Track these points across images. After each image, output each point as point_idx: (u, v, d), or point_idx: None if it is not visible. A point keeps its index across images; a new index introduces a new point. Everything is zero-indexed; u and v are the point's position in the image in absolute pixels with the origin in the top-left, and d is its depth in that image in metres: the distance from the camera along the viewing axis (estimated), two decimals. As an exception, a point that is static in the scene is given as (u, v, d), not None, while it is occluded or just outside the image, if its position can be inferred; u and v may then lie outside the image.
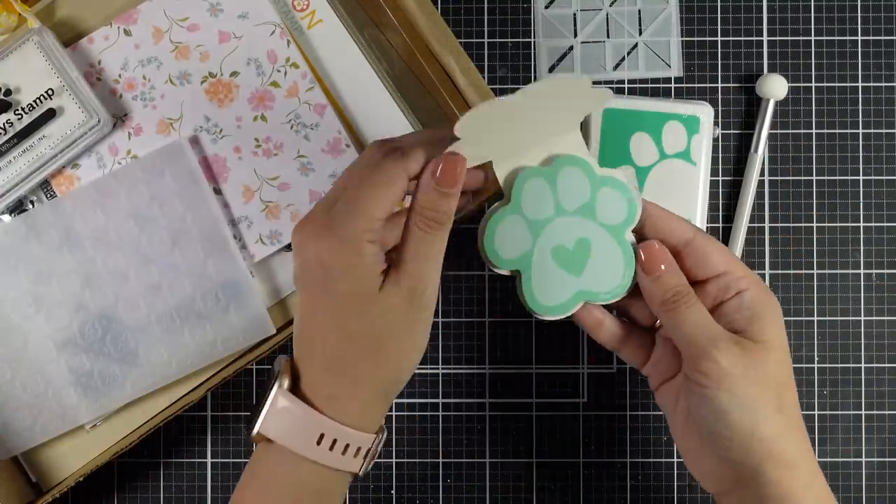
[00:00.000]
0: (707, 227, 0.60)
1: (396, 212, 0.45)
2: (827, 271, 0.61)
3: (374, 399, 0.45)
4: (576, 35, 0.62)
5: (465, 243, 0.61)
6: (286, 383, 0.44)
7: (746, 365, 0.44)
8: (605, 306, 0.49)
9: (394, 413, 0.61)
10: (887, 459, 0.60)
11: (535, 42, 0.62)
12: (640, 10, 0.62)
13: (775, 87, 0.59)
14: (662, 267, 0.46)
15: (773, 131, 0.61)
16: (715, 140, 0.61)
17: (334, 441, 0.44)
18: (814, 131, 0.61)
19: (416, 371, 0.61)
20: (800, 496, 0.45)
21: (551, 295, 0.48)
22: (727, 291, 0.46)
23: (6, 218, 0.55)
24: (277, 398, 0.44)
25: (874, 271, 0.61)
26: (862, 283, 0.61)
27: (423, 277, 0.44)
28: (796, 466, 0.45)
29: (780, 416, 0.45)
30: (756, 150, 0.60)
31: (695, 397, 0.45)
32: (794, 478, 0.45)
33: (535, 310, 0.48)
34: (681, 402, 0.48)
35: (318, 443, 0.44)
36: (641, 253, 0.47)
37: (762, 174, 0.61)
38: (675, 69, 0.61)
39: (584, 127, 0.59)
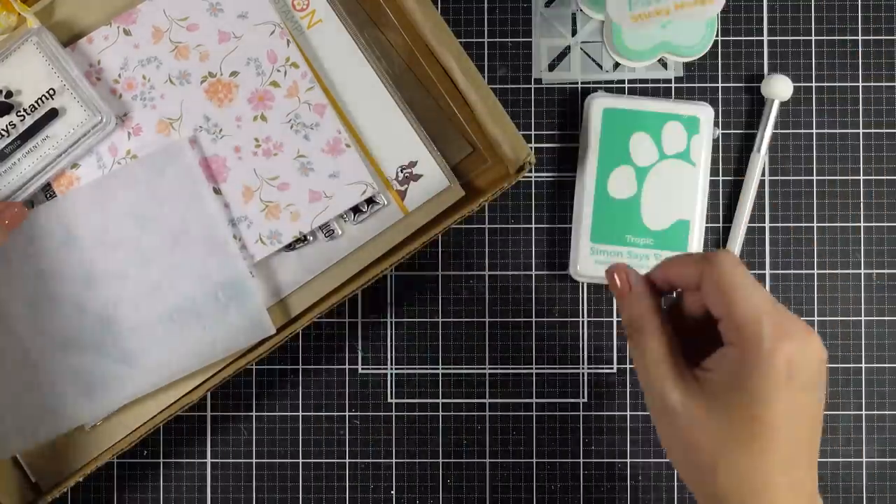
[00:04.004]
0: (707, 227, 0.60)
1: None
2: (827, 271, 0.61)
3: None
4: (575, 35, 0.62)
5: (465, 244, 0.61)
6: None
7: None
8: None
9: (394, 413, 0.61)
10: (887, 459, 0.60)
11: (535, 42, 0.62)
12: (640, 10, 0.62)
13: (780, 88, 0.59)
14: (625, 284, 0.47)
15: (773, 131, 0.61)
16: (714, 141, 0.61)
17: None
18: (814, 131, 0.61)
19: (417, 371, 0.61)
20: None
21: (638, 42, 0.59)
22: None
23: (6, 218, 0.55)
24: None
25: (874, 271, 0.61)
26: (862, 283, 0.61)
27: None
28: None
29: None
30: (759, 150, 0.60)
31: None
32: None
33: (622, 54, 0.59)
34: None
35: None
36: (615, 276, 0.47)
37: (762, 174, 0.61)
38: (676, 69, 0.61)
39: (584, 126, 0.59)
